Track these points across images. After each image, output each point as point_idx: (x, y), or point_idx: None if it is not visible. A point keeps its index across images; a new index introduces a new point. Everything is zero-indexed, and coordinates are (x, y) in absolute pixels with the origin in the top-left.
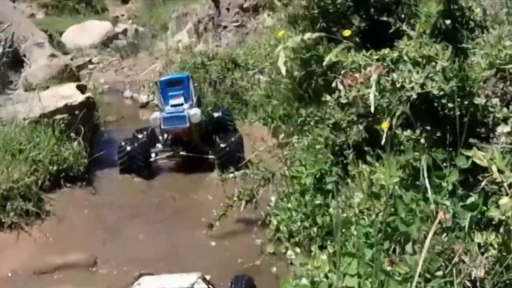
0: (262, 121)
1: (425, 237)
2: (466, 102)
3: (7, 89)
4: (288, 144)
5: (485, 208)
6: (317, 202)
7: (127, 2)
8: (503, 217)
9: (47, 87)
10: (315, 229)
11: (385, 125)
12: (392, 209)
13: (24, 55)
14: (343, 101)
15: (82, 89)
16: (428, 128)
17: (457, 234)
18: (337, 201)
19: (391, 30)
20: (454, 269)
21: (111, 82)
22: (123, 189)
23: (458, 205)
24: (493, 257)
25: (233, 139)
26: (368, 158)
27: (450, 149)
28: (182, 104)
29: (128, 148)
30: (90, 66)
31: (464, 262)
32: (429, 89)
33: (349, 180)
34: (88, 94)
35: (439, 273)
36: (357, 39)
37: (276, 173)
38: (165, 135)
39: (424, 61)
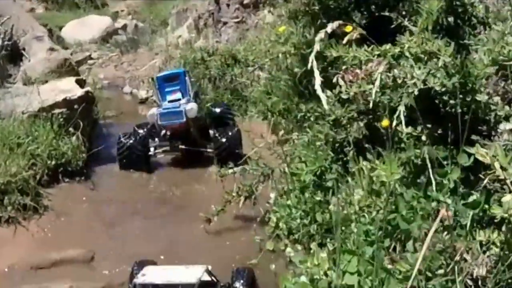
0: (262, 115)
1: (426, 235)
2: (468, 99)
3: (6, 83)
4: (288, 141)
5: (487, 206)
6: (317, 199)
7: None
8: (506, 215)
9: (46, 81)
10: (314, 226)
11: (385, 123)
12: (393, 207)
13: (23, 49)
14: (344, 96)
15: (81, 83)
16: (429, 125)
17: (459, 232)
18: (337, 198)
19: (392, 26)
20: (455, 268)
21: (110, 77)
22: (121, 184)
23: (459, 203)
24: (495, 255)
25: (231, 133)
26: (369, 155)
27: (452, 147)
28: (179, 100)
29: (127, 140)
30: (90, 61)
31: (465, 260)
32: (431, 85)
33: (349, 178)
34: (87, 88)
35: (441, 271)
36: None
37: (275, 169)
38: (164, 131)
39: (426, 57)
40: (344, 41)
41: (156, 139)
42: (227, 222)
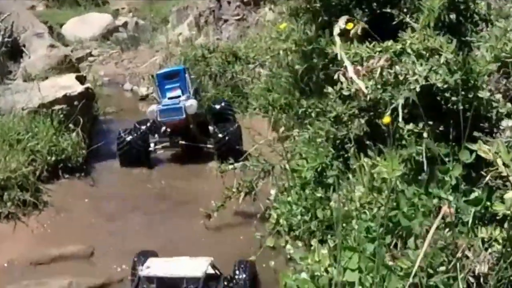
0: (263, 109)
1: (428, 232)
2: (470, 96)
3: (6, 79)
4: (289, 138)
5: (489, 203)
6: (318, 195)
7: None
8: (508, 212)
9: (46, 78)
10: (315, 223)
11: (386, 119)
12: (394, 203)
13: (24, 45)
14: (345, 93)
15: (81, 80)
16: (431, 122)
17: (461, 229)
18: (338, 195)
19: (394, 23)
20: (457, 265)
21: (111, 74)
22: (121, 180)
23: (461, 200)
24: (497, 252)
25: (231, 129)
26: (370, 152)
27: (453, 143)
28: (179, 97)
29: (128, 136)
30: (90, 58)
31: (467, 257)
32: (433, 81)
33: (350, 174)
34: (87, 84)
35: (442, 268)
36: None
37: (276, 166)
38: (164, 127)
39: (428, 53)
40: (351, 34)
41: (156, 135)
42: (227, 218)
